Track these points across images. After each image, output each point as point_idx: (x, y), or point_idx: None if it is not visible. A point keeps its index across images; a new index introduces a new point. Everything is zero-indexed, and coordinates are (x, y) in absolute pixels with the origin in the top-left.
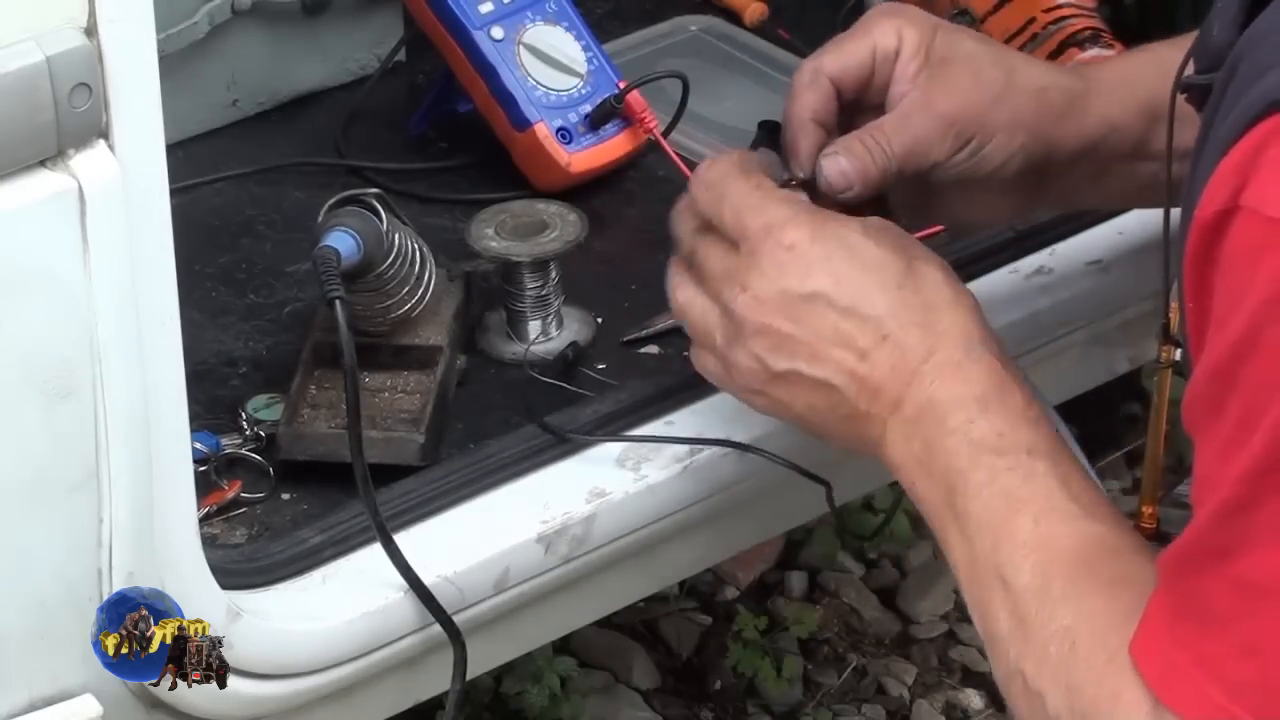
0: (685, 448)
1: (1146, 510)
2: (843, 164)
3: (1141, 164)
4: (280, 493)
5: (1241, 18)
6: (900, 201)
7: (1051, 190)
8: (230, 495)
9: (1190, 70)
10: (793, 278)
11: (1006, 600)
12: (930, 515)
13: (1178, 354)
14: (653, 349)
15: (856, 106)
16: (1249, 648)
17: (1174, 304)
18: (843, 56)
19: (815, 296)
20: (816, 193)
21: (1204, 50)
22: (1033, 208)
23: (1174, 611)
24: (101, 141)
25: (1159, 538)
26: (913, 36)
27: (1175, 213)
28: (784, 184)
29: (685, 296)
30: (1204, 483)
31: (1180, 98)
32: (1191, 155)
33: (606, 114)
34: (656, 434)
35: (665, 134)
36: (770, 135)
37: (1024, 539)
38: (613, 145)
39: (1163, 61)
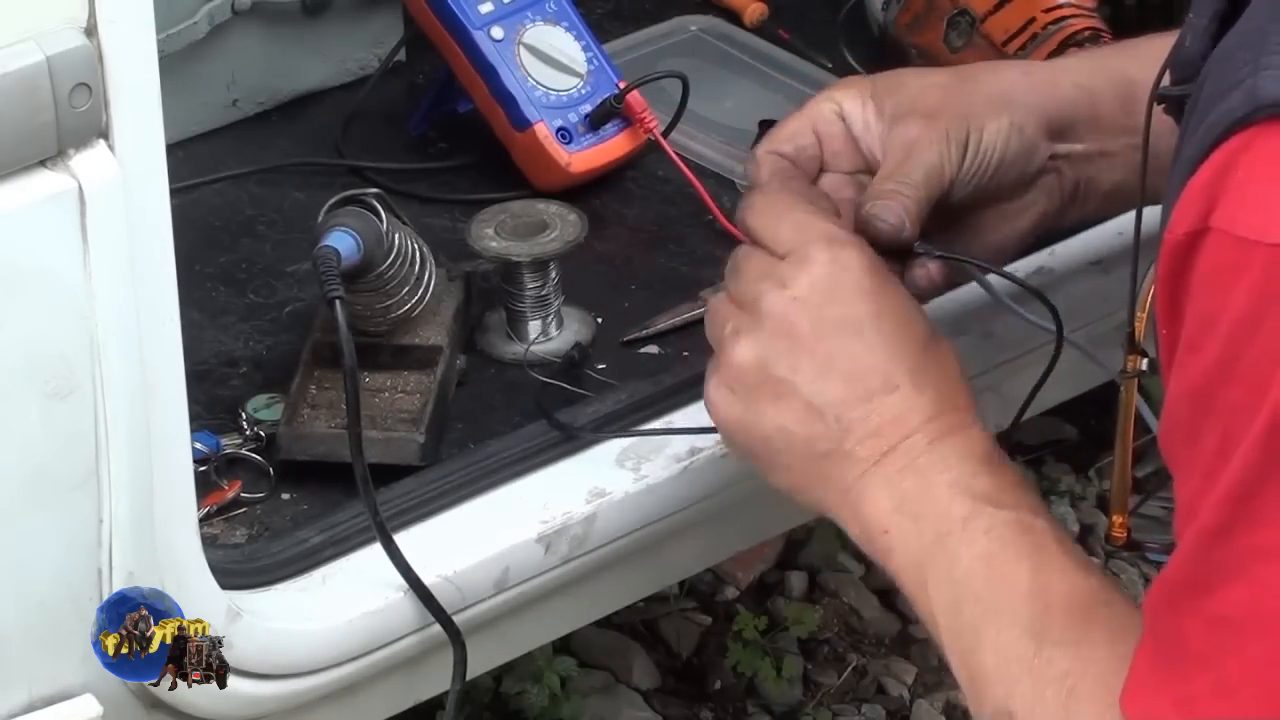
0: (685, 447)
1: (1117, 519)
2: (882, 209)
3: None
4: (280, 493)
5: (1214, 28)
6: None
7: (1070, 185)
8: (230, 495)
9: (1167, 81)
10: (839, 293)
11: (1000, 641)
12: (906, 562)
13: (1144, 363)
14: (653, 349)
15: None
16: (1225, 687)
17: (1140, 313)
18: (783, 133)
19: (851, 323)
20: None
21: (1179, 61)
22: (1062, 211)
23: (1156, 654)
24: (101, 141)
25: (1130, 546)
26: (850, 97)
27: (1152, 216)
28: None
29: (716, 301)
30: (1184, 512)
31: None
32: (1169, 170)
33: (606, 114)
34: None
35: (665, 134)
36: None
37: (1022, 585)
38: (613, 145)
39: (1133, 47)
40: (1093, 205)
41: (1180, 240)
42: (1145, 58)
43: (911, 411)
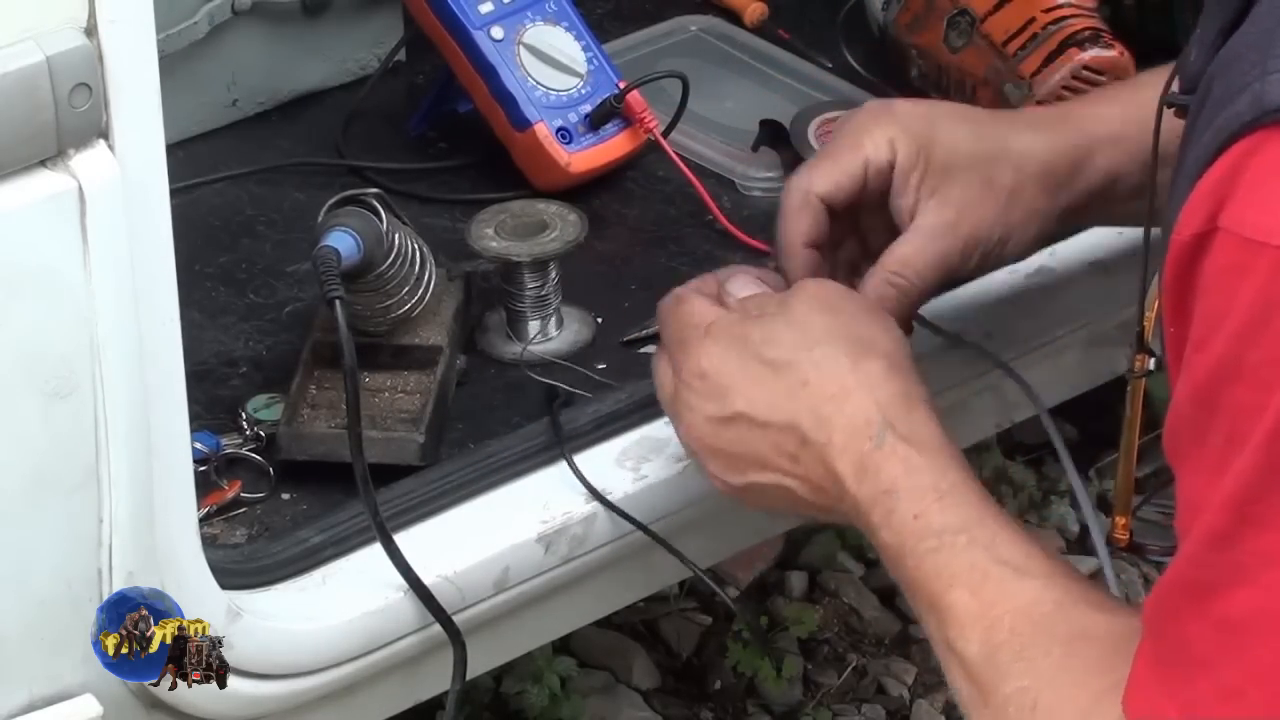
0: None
1: (1120, 521)
2: (885, 296)
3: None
4: (280, 493)
5: (1219, 42)
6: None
7: (1059, 230)
8: (230, 495)
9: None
10: (711, 405)
11: (960, 669)
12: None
13: (1151, 363)
14: (652, 349)
15: (853, 213)
16: (1229, 691)
17: (1149, 313)
18: (834, 175)
19: (737, 418)
20: None
21: (1185, 73)
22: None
23: (1157, 656)
24: (101, 141)
25: (1132, 548)
26: (907, 146)
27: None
28: None
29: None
30: (1189, 510)
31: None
32: (1173, 173)
33: (606, 114)
34: (650, 435)
35: (665, 134)
36: (772, 135)
37: (963, 612)
38: (613, 145)
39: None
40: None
41: (1188, 241)
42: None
43: (826, 454)
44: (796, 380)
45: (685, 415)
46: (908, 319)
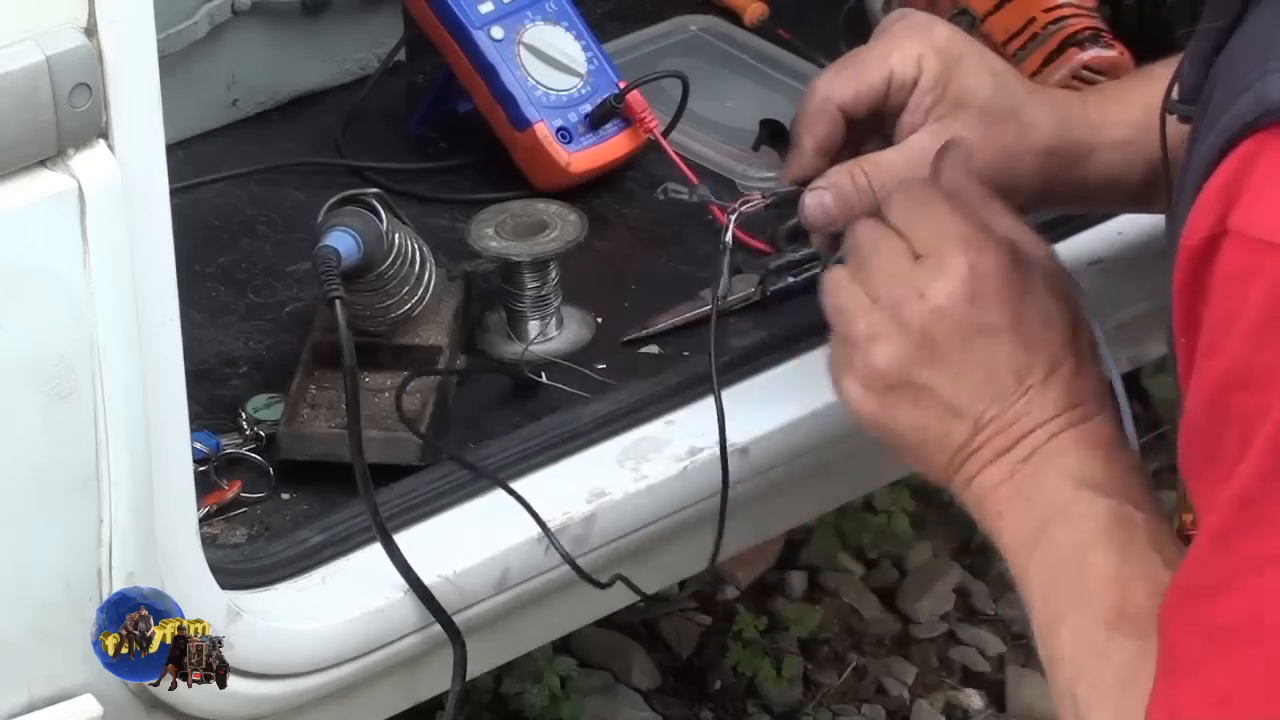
0: (685, 447)
1: (1188, 518)
2: (826, 201)
3: (1140, 205)
4: (280, 493)
5: (1213, 55)
6: None
7: (1043, 208)
8: (230, 495)
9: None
10: (979, 302)
11: (1078, 624)
12: (1014, 543)
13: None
14: (653, 349)
15: (874, 119)
16: (1215, 697)
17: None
18: (855, 84)
19: (989, 331)
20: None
21: (1182, 83)
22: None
23: (1161, 665)
24: (101, 141)
25: None
26: (933, 68)
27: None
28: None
29: (846, 293)
30: (1202, 517)
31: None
32: (1176, 179)
33: (606, 114)
34: (651, 435)
35: (665, 134)
36: (772, 134)
37: (1108, 573)
38: (613, 145)
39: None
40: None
41: (1197, 246)
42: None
43: (1040, 409)
44: (1059, 337)
45: (936, 290)
46: (849, 220)
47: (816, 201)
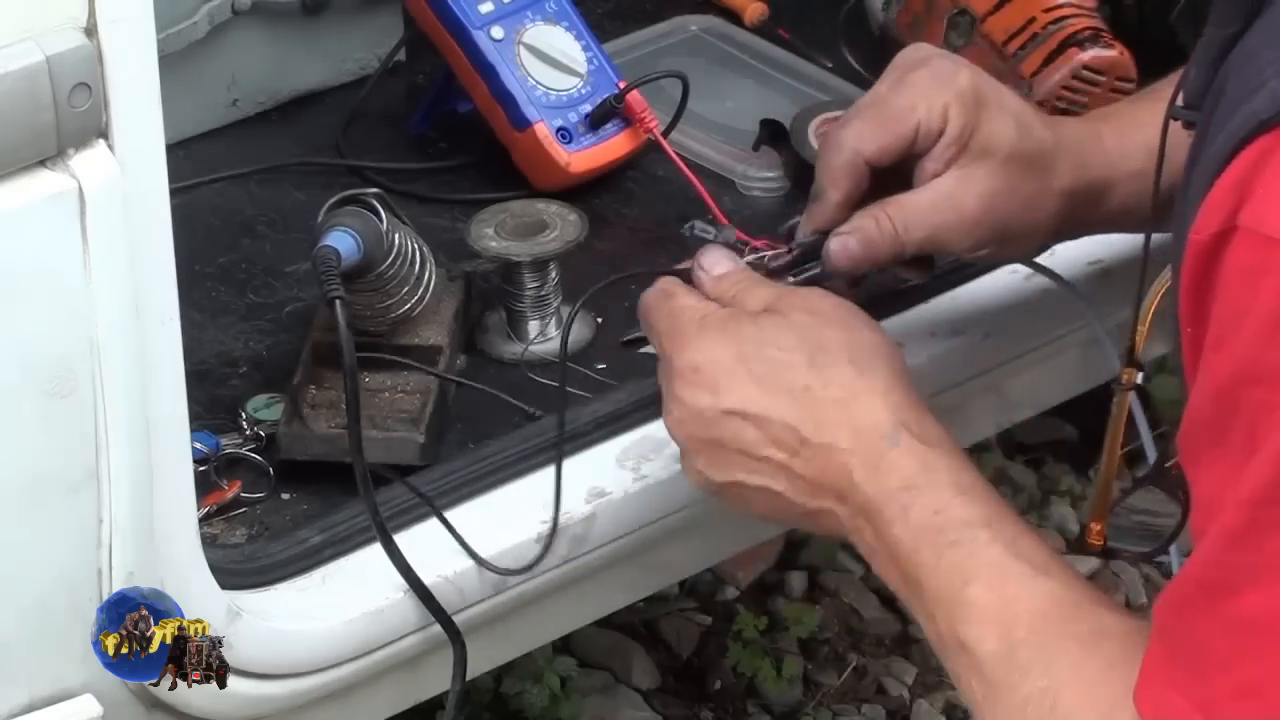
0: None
1: (1095, 527)
2: (851, 247)
3: (1160, 227)
4: (280, 493)
5: (1220, 61)
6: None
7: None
8: (230, 495)
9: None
10: (704, 398)
11: (975, 668)
12: (897, 594)
13: (1139, 378)
14: (651, 349)
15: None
16: (1247, 689)
17: (1140, 328)
18: (883, 139)
19: (732, 413)
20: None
21: (1186, 90)
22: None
23: (1171, 658)
24: (101, 141)
25: (1106, 553)
26: (959, 120)
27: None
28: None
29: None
30: (1206, 510)
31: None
32: (1180, 183)
33: (606, 114)
34: (651, 435)
35: (665, 134)
36: (772, 134)
37: (981, 608)
38: (613, 145)
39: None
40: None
41: (1206, 241)
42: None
43: (829, 457)
44: (797, 383)
45: (675, 408)
46: (873, 264)
47: (841, 247)
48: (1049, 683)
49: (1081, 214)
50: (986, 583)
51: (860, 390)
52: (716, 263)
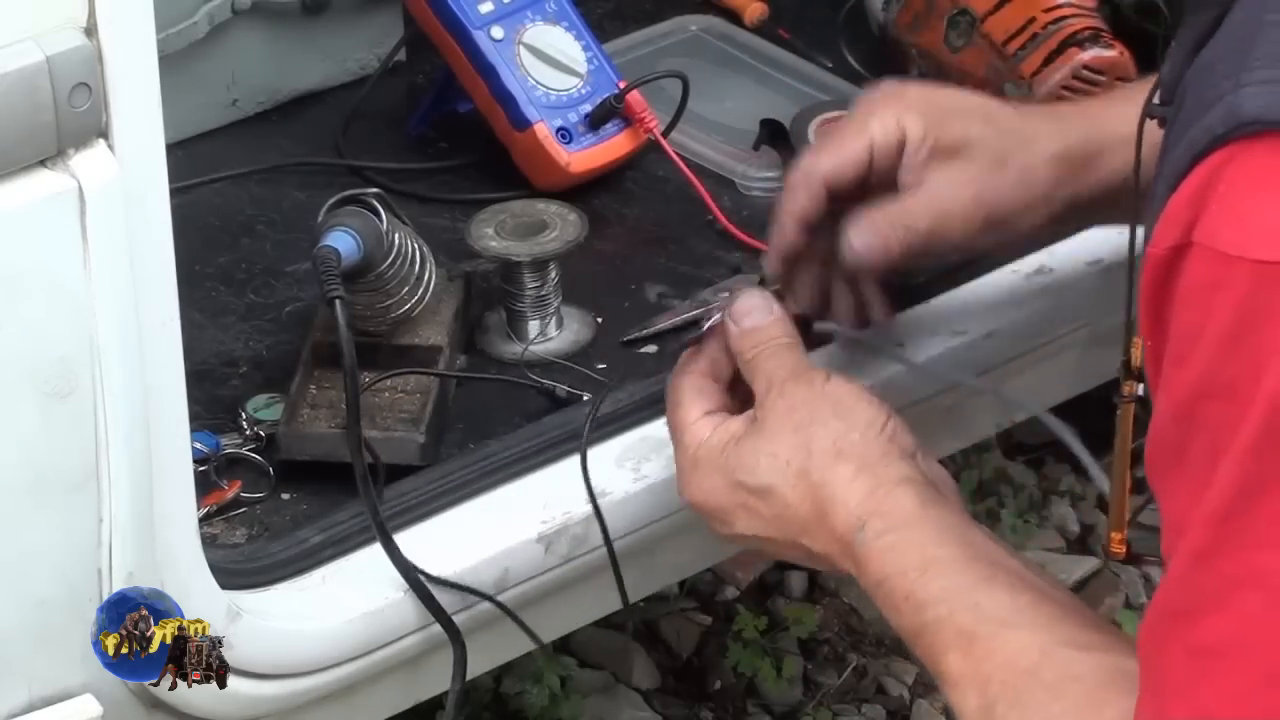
0: None
1: (1116, 536)
2: (867, 236)
3: None
4: (280, 493)
5: (1193, 55)
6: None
7: (1065, 228)
8: (230, 495)
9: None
10: (715, 525)
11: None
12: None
13: (1140, 389)
14: (652, 349)
15: (859, 191)
16: (1204, 717)
17: (1136, 339)
18: (839, 157)
19: (741, 537)
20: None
21: (1163, 84)
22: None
23: (1146, 688)
24: (101, 141)
25: (1131, 560)
26: (916, 126)
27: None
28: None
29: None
30: (1173, 531)
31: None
32: (1152, 187)
33: (606, 114)
34: (650, 435)
35: (665, 134)
36: (772, 134)
37: (957, 674)
38: (613, 145)
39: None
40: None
41: (1163, 255)
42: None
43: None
44: (780, 504)
45: (681, 484)
46: (887, 254)
47: (858, 236)
48: None
49: (1080, 181)
50: (959, 651)
51: (825, 499)
52: (746, 314)
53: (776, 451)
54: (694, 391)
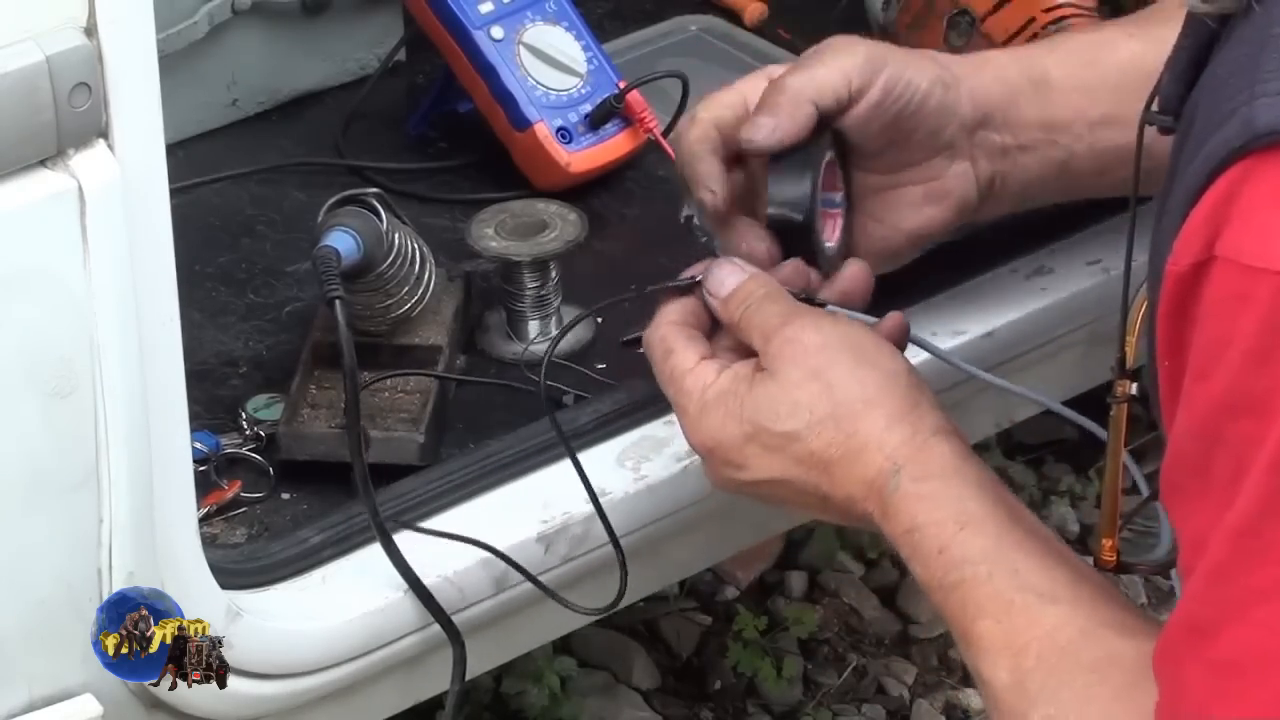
0: (684, 447)
1: (1106, 543)
2: (763, 122)
3: (1103, 130)
4: (280, 493)
5: (1190, 74)
6: (866, 244)
7: (985, 178)
8: (230, 495)
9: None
10: (728, 471)
11: (992, 699)
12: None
13: (1133, 388)
14: None
15: None
16: None
17: (1130, 337)
18: (716, 107)
19: (757, 482)
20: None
21: (1161, 94)
22: (979, 205)
23: (1164, 703)
24: (101, 141)
25: (1120, 568)
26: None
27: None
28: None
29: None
30: (1192, 548)
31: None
32: (1158, 202)
33: (606, 114)
34: (651, 435)
35: (665, 134)
36: None
37: (990, 641)
38: (613, 145)
39: (1055, 44)
40: (1008, 201)
41: (1184, 272)
42: (1066, 54)
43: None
44: (803, 450)
45: (707, 471)
46: (802, 130)
47: (760, 131)
48: (1055, 711)
49: (1038, 98)
50: (993, 616)
51: (857, 448)
52: (722, 283)
53: (798, 399)
54: (685, 339)
